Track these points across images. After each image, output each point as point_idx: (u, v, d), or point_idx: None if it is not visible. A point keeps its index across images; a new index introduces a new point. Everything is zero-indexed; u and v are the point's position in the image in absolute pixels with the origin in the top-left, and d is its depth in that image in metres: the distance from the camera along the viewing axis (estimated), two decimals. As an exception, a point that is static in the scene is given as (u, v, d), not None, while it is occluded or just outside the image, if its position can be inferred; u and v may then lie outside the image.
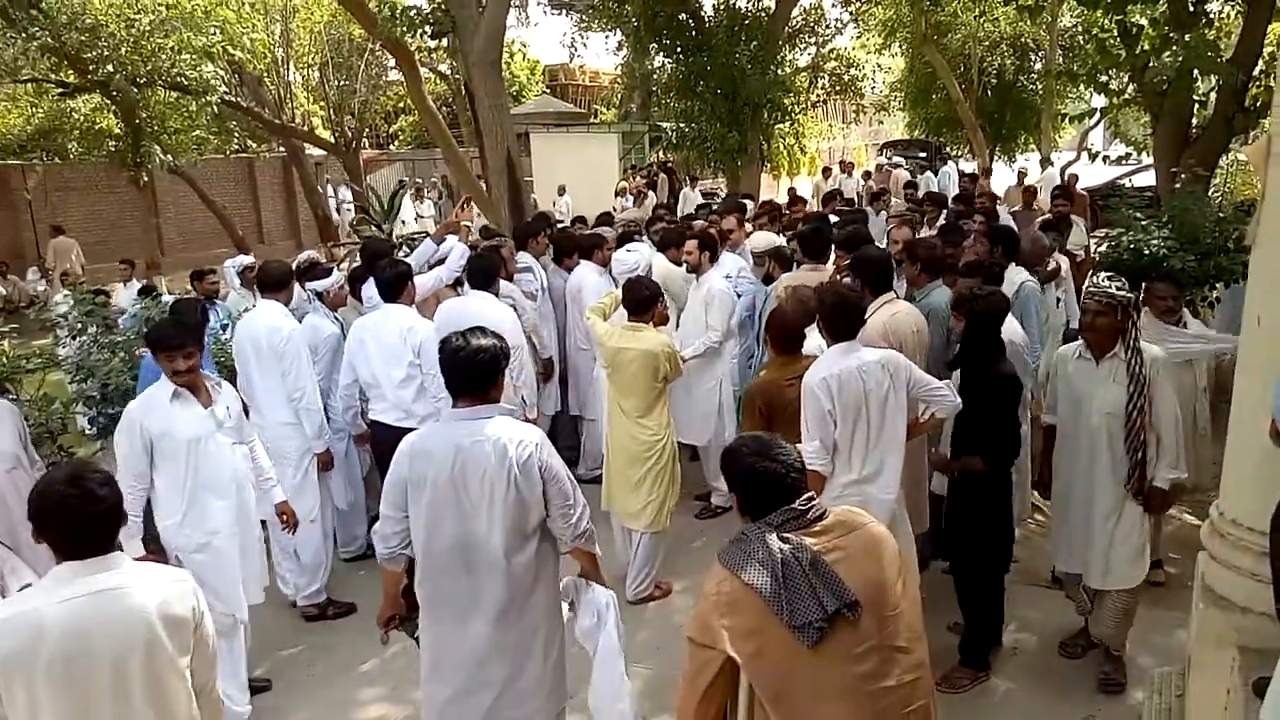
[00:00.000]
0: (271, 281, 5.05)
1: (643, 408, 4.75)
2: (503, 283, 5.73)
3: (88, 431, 5.89)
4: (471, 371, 2.91)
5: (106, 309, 6.98)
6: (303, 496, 4.85)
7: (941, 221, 7.87)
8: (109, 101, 14.92)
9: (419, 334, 4.75)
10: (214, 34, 14.58)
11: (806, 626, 2.02)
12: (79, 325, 6.10)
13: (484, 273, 5.39)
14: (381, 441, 4.84)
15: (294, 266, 5.74)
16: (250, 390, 4.87)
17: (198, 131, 16.31)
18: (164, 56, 14.10)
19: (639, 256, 5.98)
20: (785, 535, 2.14)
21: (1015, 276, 5.31)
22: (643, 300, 4.74)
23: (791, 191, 14.28)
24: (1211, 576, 2.96)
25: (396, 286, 4.90)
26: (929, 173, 18.74)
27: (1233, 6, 9.70)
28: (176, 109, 15.72)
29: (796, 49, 19.13)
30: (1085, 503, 3.88)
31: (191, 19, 14.15)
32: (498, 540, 2.89)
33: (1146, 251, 6.81)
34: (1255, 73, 8.16)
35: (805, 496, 2.22)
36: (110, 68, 13.44)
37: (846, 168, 18.97)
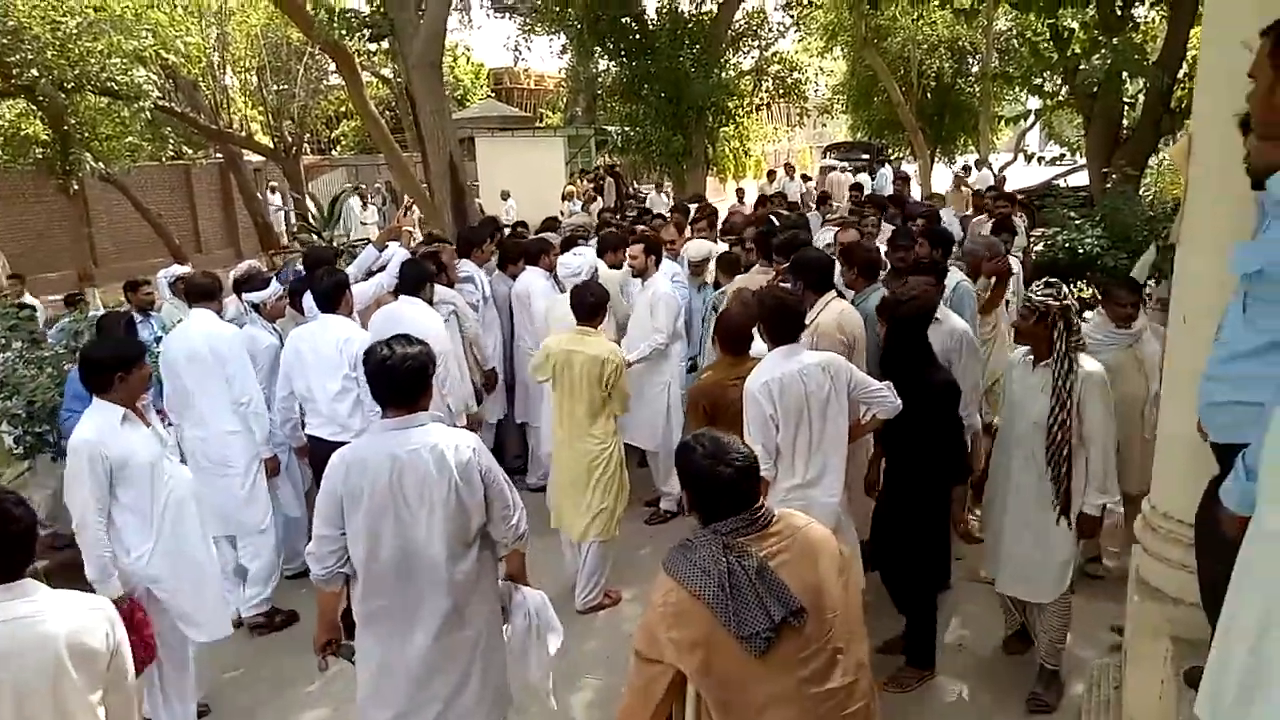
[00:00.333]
0: (199, 292, 4.94)
1: (589, 415, 4.70)
2: (442, 289, 5.65)
3: (14, 451, 5.66)
4: (400, 380, 2.86)
5: (32, 323, 6.74)
6: (253, 506, 4.80)
7: (884, 225, 7.96)
8: (35, 107, 14.40)
9: (355, 345, 4.57)
10: (146, 37, 14.16)
11: (754, 636, 2.03)
12: (2, 340, 5.87)
13: (415, 279, 5.29)
14: (319, 456, 4.68)
15: (233, 277, 5.62)
16: (185, 403, 4.76)
17: (130, 138, 15.79)
18: (93, 60, 13.64)
19: (583, 260, 5.94)
20: (731, 543, 2.13)
21: (951, 278, 5.40)
22: (590, 306, 4.73)
23: (740, 193, 14.39)
24: (1145, 569, 3.02)
25: (334, 296, 4.77)
26: (865, 175, 19.02)
27: (1158, 11, 9.99)
28: (108, 115, 15.23)
29: (740, 52, 19.26)
30: (1005, 512, 3.80)
31: (121, 22, 13.71)
32: (439, 549, 2.85)
33: (1080, 250, 7.00)
34: (1180, 75, 8.41)
35: (756, 505, 2.21)
36: (35, 72, 12.95)
37: (790, 170, 19.16)
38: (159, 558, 3.59)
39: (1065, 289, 3.62)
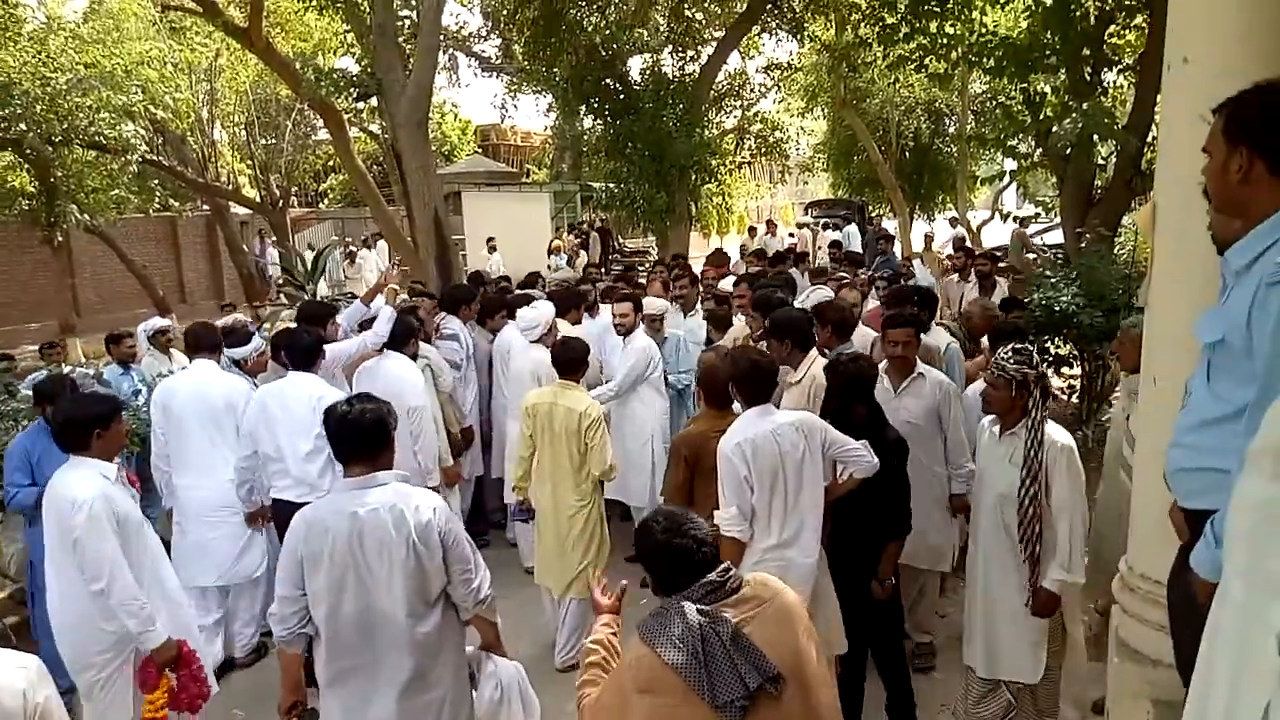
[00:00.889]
0: (203, 343, 5.07)
1: (569, 470, 4.68)
2: (421, 345, 5.69)
3: None
4: (359, 436, 2.86)
5: (8, 374, 6.69)
6: (252, 553, 4.90)
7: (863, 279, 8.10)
8: (22, 160, 14.47)
9: (329, 403, 4.54)
10: (135, 93, 14.31)
11: (729, 705, 2.00)
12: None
13: (402, 334, 5.36)
14: (284, 519, 4.62)
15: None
16: (184, 451, 4.82)
17: (117, 190, 15.86)
18: (82, 115, 13.75)
19: (539, 314, 5.88)
20: (704, 609, 2.11)
21: (940, 338, 5.41)
22: (571, 361, 4.75)
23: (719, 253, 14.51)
24: (1125, 630, 3.02)
25: (314, 354, 4.76)
26: (833, 231, 19.32)
27: (1126, 77, 10.30)
28: (95, 167, 15.31)
29: (722, 112, 19.64)
30: (978, 587, 3.73)
31: (111, 78, 13.87)
32: (400, 610, 2.82)
33: (1057, 308, 7.10)
34: (1149, 139, 8.64)
35: (722, 568, 2.20)
36: (23, 126, 13.06)
37: (771, 227, 19.43)
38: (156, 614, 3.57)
39: (1035, 355, 3.56)
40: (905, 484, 3.88)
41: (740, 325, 6.23)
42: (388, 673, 2.85)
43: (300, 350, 4.76)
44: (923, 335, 4.98)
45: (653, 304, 6.46)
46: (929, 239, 17.04)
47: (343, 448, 2.89)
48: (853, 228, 20.57)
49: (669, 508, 2.36)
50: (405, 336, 5.38)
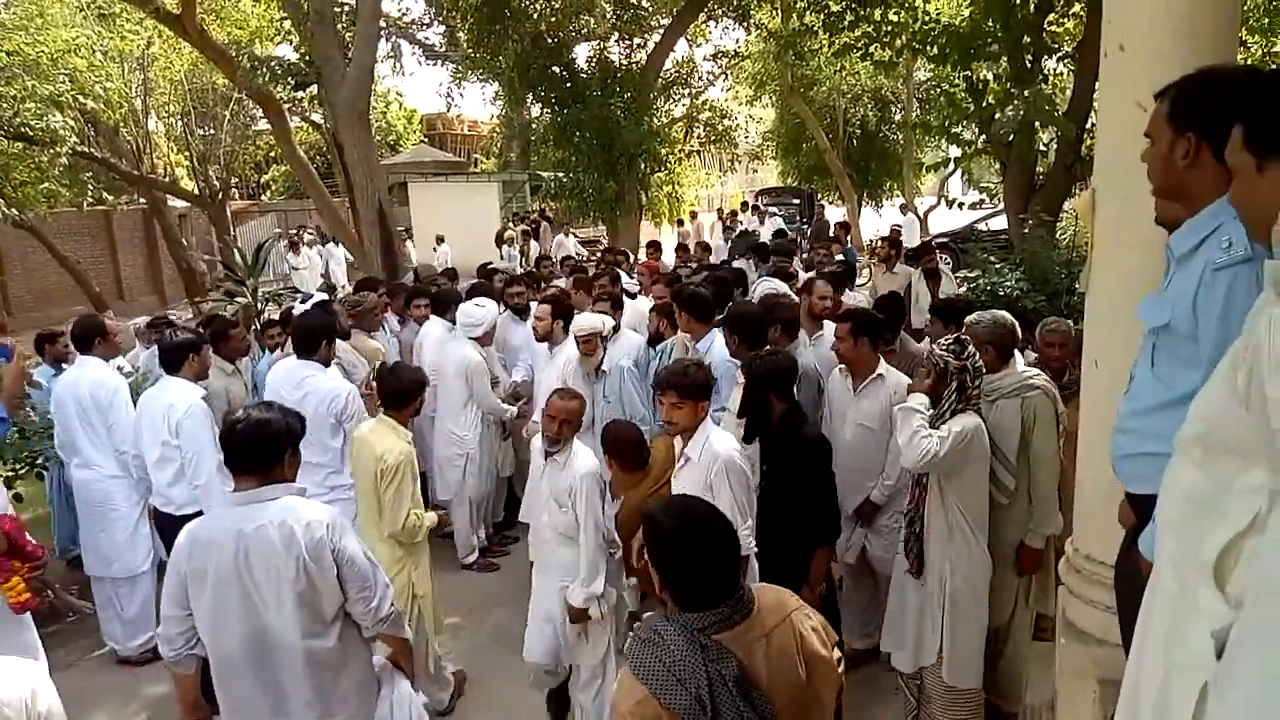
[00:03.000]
0: (88, 338, 5.07)
1: (374, 520, 4.02)
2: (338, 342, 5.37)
3: None
4: (251, 448, 2.68)
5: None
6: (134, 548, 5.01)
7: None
8: (-57, 152, 13.90)
9: (179, 411, 4.36)
10: (62, 82, 13.79)
11: None
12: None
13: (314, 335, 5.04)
14: (161, 529, 4.68)
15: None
16: (71, 445, 4.95)
17: (47, 184, 15.32)
18: (5, 105, 13.24)
19: (485, 312, 5.66)
20: (707, 642, 1.91)
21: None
22: (396, 392, 4.03)
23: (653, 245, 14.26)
24: (1071, 611, 3.06)
25: (176, 358, 4.53)
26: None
27: (1066, 65, 10.47)
28: (22, 160, 14.75)
29: (670, 100, 19.61)
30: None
31: (36, 66, 13.35)
32: (292, 631, 2.67)
33: (1001, 292, 7.21)
34: (1088, 125, 8.79)
35: (738, 595, 1.98)
36: (-57, 117, 12.55)
37: (729, 217, 19.49)
38: None
39: (971, 350, 3.53)
40: (829, 487, 3.78)
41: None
42: (289, 695, 2.72)
43: (164, 352, 4.61)
44: (911, 342, 4.96)
45: (584, 321, 5.33)
46: (895, 233, 17.15)
47: (233, 459, 2.72)
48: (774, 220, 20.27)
49: (689, 500, 2.17)
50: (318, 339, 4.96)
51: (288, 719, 2.73)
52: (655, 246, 11.04)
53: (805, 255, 9.27)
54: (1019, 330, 4.04)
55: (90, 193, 18.54)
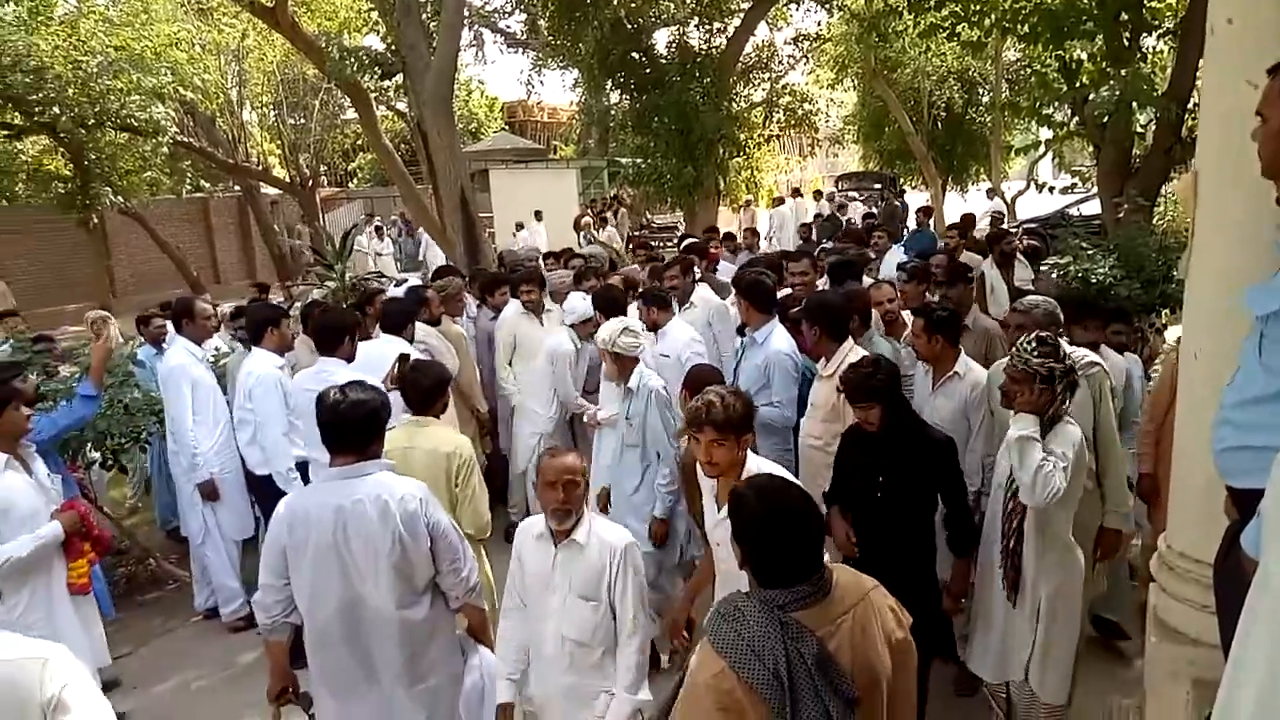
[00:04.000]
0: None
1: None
2: (422, 327, 5.52)
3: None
4: (349, 427, 2.78)
5: (46, 356, 6.79)
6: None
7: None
8: (56, 143, 14.68)
9: (253, 379, 4.78)
10: (165, 75, 14.44)
11: None
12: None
13: (394, 316, 5.30)
14: (250, 487, 5.18)
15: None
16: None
17: (150, 173, 16.10)
18: (113, 98, 13.93)
19: (585, 304, 5.65)
20: (787, 620, 1.92)
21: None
22: (424, 391, 3.83)
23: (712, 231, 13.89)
24: (1163, 609, 2.96)
25: (258, 330, 4.93)
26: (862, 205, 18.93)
27: (1166, 42, 10.00)
28: (127, 150, 15.53)
29: (750, 84, 19.42)
30: (980, 584, 3.59)
31: (141, 61, 14.01)
32: (387, 601, 2.77)
33: (1093, 279, 6.94)
34: (1190, 105, 8.39)
35: (819, 575, 1.99)
36: (57, 109, 13.25)
37: (817, 196, 19.29)
38: (34, 607, 3.56)
39: (1064, 346, 3.28)
40: (962, 491, 3.54)
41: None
42: (379, 665, 2.82)
43: (250, 324, 5.06)
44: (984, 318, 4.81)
45: (578, 305, 5.54)
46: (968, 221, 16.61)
47: (331, 436, 2.81)
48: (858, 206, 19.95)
49: (788, 480, 2.18)
50: (402, 320, 5.27)
51: (378, 686, 2.83)
52: (729, 238, 10.73)
53: (875, 241, 8.97)
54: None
55: (189, 181, 19.42)
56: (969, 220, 11.03)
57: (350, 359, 4.65)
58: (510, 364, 6.11)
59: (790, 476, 2.62)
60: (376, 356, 4.77)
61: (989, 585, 3.49)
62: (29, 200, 17.08)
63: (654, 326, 5.25)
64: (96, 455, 5.58)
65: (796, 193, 21.10)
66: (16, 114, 14.00)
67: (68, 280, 18.48)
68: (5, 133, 15.23)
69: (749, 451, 3.06)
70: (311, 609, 2.79)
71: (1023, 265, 7.87)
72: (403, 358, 4.70)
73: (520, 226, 17.08)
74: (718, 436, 2.91)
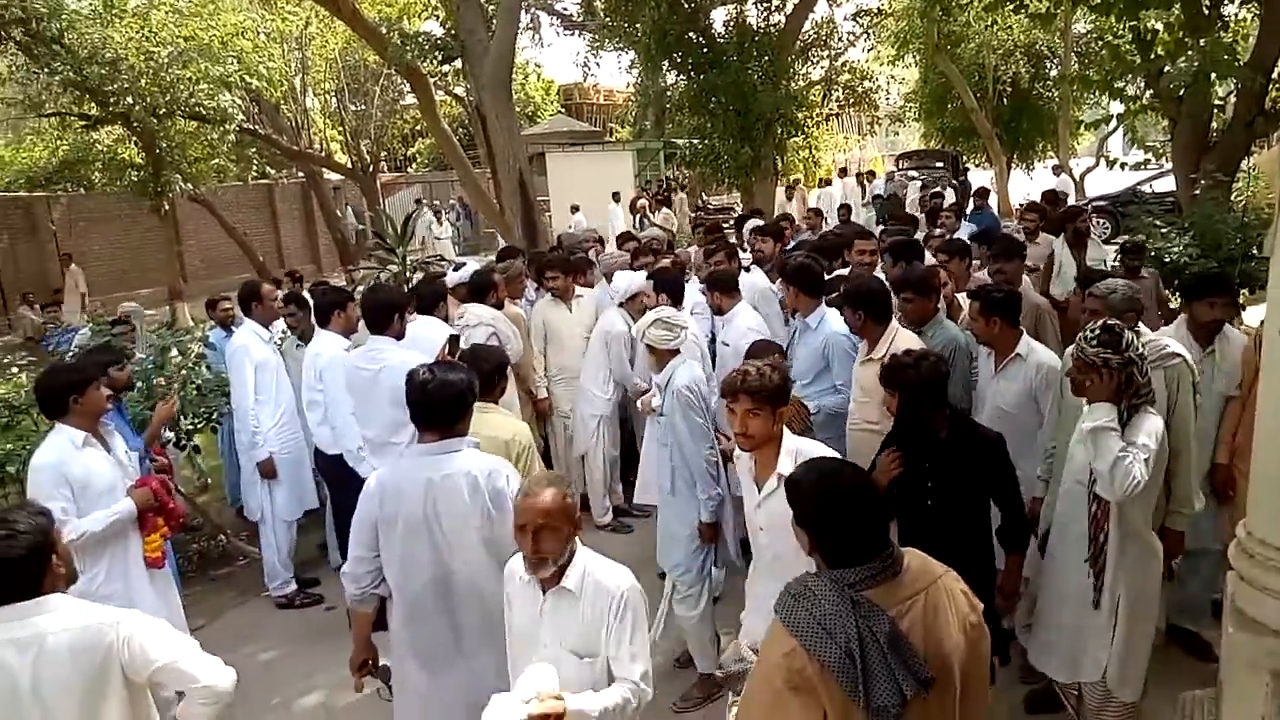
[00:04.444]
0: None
1: None
2: (480, 310, 5.55)
3: None
4: (439, 405, 2.86)
5: (124, 338, 7.04)
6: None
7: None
8: (130, 133, 15.15)
9: (323, 360, 4.90)
10: (231, 64, 14.78)
11: (883, 710, 1.86)
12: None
13: (427, 297, 5.39)
14: (320, 468, 5.30)
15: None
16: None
17: (217, 160, 16.53)
18: (182, 87, 14.32)
19: (633, 280, 5.65)
20: (859, 599, 1.90)
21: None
22: (486, 376, 3.64)
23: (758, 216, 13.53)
24: (1241, 599, 2.86)
25: (324, 313, 5.05)
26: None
27: (1249, 9, 9.57)
28: (196, 138, 15.96)
29: (809, 63, 19.11)
30: (1046, 581, 3.48)
31: (209, 50, 14.36)
32: (478, 575, 2.84)
33: (1168, 259, 6.73)
34: (1275, 75, 8.03)
35: (887, 551, 1.97)
36: (130, 99, 13.67)
37: (870, 176, 18.96)
38: (112, 578, 3.69)
39: (1128, 335, 3.09)
40: (1015, 487, 3.39)
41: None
42: (469, 636, 2.89)
43: (317, 307, 5.20)
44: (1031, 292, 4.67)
45: (624, 279, 5.68)
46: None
47: (422, 414, 2.89)
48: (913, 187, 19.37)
49: (845, 461, 2.18)
50: (434, 301, 5.36)
51: (467, 658, 2.90)
52: (787, 220, 10.47)
53: (943, 221, 8.68)
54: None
55: (254, 168, 19.88)
56: (1050, 198, 10.73)
57: (400, 337, 4.64)
58: (544, 353, 6.10)
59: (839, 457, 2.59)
60: (424, 337, 4.78)
61: (1059, 581, 3.36)
62: (105, 189, 17.67)
63: (719, 311, 5.18)
64: (170, 435, 5.76)
65: (844, 173, 20.69)
66: (93, 104, 14.47)
67: (142, 266, 19.12)
68: (82, 123, 15.76)
69: (785, 430, 3.00)
70: (403, 581, 2.87)
71: (1095, 245, 7.62)
72: (453, 339, 4.75)
73: (576, 209, 17.13)
74: (753, 406, 2.86)
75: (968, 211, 10.51)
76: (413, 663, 2.94)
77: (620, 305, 5.76)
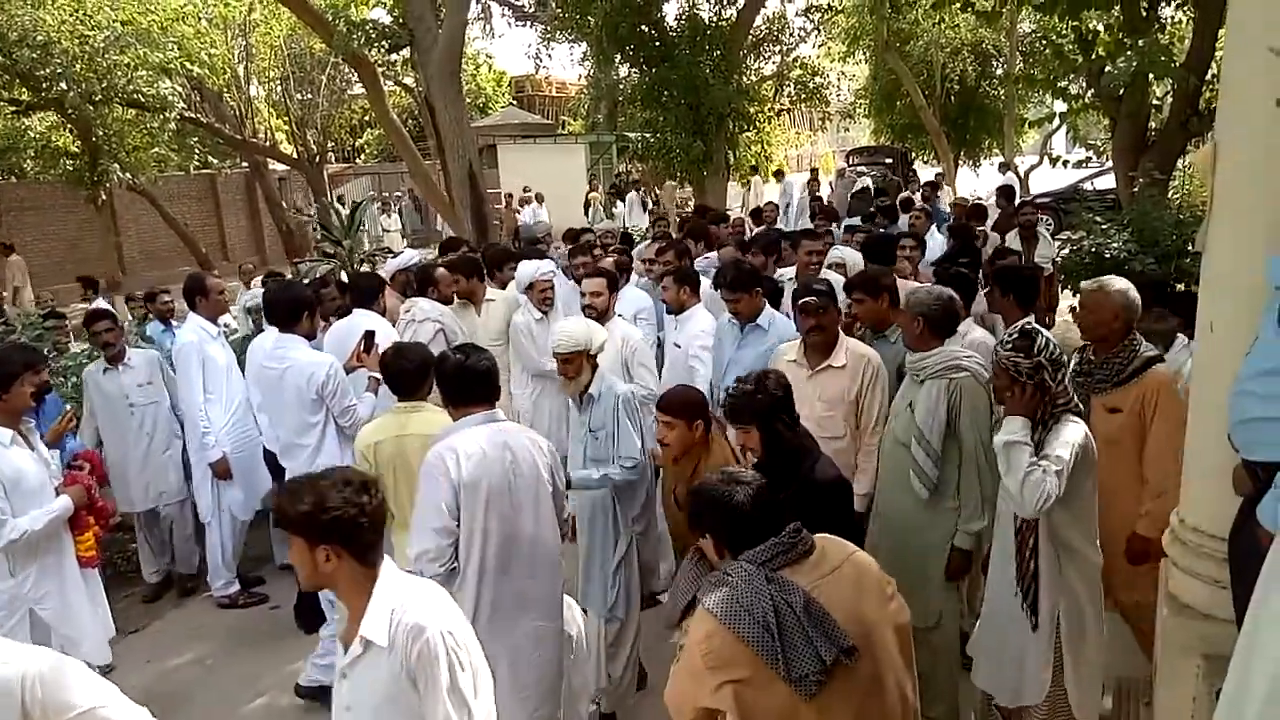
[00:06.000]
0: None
1: None
2: (431, 305, 5.42)
3: None
4: (479, 379, 3.01)
5: (58, 332, 6.82)
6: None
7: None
8: (64, 119, 14.65)
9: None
10: (171, 50, 14.39)
11: (804, 679, 1.91)
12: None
13: (363, 291, 5.29)
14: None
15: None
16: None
17: (157, 149, 16.05)
18: (120, 73, 13.88)
19: (541, 265, 5.46)
20: (772, 575, 1.99)
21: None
22: (410, 375, 3.54)
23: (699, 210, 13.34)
24: (1175, 584, 2.94)
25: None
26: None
27: (1184, 12, 9.84)
28: (135, 126, 15.49)
29: (760, 58, 19.20)
30: (988, 594, 3.34)
31: (147, 35, 13.95)
32: (549, 535, 3.04)
33: (1107, 254, 6.88)
34: (1208, 77, 8.27)
35: (792, 527, 2.08)
36: (64, 85, 13.21)
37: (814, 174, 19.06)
38: (45, 579, 3.57)
39: (1044, 338, 2.95)
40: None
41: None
42: (533, 596, 3.01)
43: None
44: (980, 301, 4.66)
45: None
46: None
47: (466, 390, 3.01)
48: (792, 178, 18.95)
49: (724, 466, 2.32)
50: (371, 295, 5.25)
51: (526, 615, 3.00)
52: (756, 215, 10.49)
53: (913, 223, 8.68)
54: (958, 305, 3.63)
55: (196, 157, 19.37)
56: (1005, 193, 10.94)
57: (310, 336, 4.45)
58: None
59: None
60: (345, 333, 4.70)
61: (996, 603, 3.25)
62: (38, 177, 17.07)
63: (679, 308, 4.97)
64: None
65: (779, 175, 20.39)
66: (24, 89, 13.97)
67: (79, 257, 18.51)
68: (12, 108, 15.20)
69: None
70: (482, 543, 2.90)
71: (1046, 242, 7.76)
72: (367, 335, 4.54)
73: (525, 203, 17.01)
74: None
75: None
76: (475, 626, 2.79)
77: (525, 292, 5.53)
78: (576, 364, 3.64)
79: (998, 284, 4.36)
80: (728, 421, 3.09)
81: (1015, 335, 2.98)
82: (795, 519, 2.37)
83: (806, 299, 3.77)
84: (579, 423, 3.75)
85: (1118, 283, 3.64)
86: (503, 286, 6.10)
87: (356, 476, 2.07)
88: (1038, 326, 3.16)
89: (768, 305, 4.53)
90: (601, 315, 4.69)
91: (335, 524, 1.98)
